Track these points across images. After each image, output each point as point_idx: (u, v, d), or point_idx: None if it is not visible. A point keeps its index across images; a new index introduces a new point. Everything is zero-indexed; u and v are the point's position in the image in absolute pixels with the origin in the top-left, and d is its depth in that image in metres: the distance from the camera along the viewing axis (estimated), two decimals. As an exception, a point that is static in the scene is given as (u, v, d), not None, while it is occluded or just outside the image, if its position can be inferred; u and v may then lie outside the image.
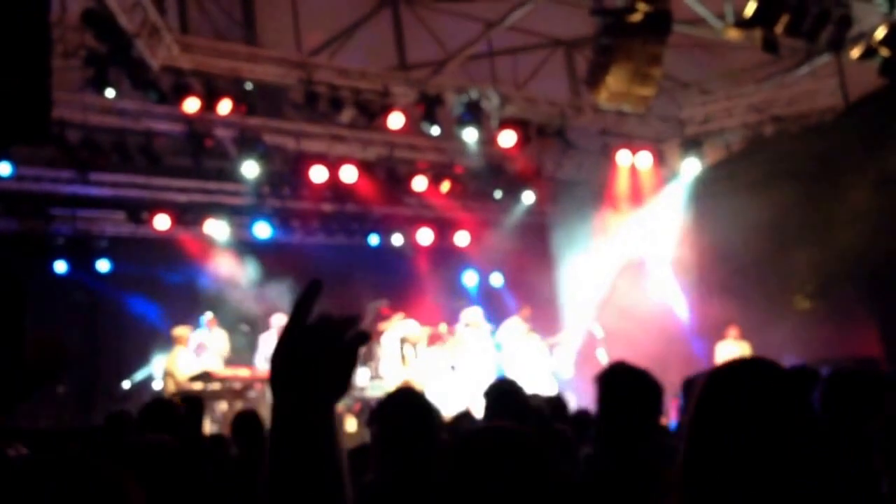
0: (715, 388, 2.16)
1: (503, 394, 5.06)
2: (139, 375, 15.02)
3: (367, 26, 15.01)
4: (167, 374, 13.59)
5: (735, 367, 2.23)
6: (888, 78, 12.51)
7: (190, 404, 6.71)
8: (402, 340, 14.36)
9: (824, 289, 14.37)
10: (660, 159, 16.26)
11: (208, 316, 14.39)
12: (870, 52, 12.09)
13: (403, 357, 14.28)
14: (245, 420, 6.98)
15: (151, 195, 15.21)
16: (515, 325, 14.78)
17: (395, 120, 13.88)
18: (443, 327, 14.75)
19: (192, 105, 12.82)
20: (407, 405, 4.23)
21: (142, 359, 14.80)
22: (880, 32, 11.83)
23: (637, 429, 3.65)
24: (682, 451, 2.14)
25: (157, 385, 14.37)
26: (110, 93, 11.99)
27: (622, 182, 16.37)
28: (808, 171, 14.22)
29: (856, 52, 12.22)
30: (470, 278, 17.43)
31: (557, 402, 6.84)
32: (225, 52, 13.22)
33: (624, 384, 3.75)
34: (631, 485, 3.48)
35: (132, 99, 13.06)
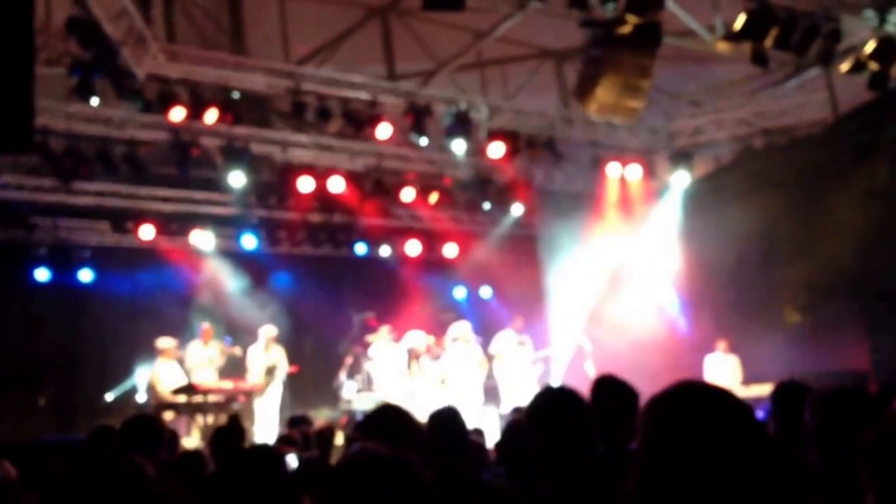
0: (657, 413, 2.22)
1: (444, 422, 4.97)
2: (122, 388, 14.85)
3: (356, 36, 14.91)
4: (150, 388, 13.46)
5: (678, 392, 2.26)
6: (877, 91, 12.49)
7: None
8: (410, 352, 14.32)
9: (814, 302, 14.34)
10: (649, 171, 16.22)
11: (204, 326, 14.24)
12: (859, 66, 12.09)
13: (410, 368, 14.23)
14: (223, 435, 6.88)
15: (136, 205, 15.08)
16: (508, 337, 14.68)
17: (384, 130, 13.76)
18: (430, 339, 14.66)
19: (177, 114, 12.67)
20: (392, 420, 4.21)
21: (125, 371, 14.62)
22: (869, 46, 11.82)
23: (571, 453, 3.53)
24: (633, 475, 2.19)
25: (140, 398, 14.21)
26: (95, 101, 11.81)
27: (612, 194, 16.31)
28: (798, 184, 14.22)
29: (845, 66, 12.21)
30: (459, 291, 17.33)
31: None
32: (212, 61, 13.08)
33: (551, 410, 3.65)
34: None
35: (117, 107, 12.91)
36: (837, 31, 11.55)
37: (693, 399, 2.23)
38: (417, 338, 14.32)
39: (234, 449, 6.50)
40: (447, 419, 4.93)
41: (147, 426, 5.81)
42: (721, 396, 2.24)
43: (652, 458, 2.18)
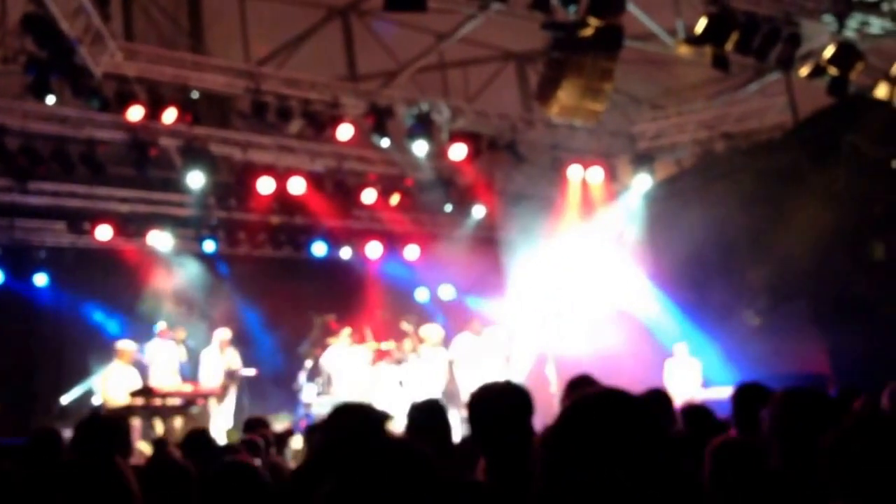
0: (567, 421, 2.26)
1: (428, 413, 5.06)
2: (78, 391, 14.62)
3: (317, 36, 14.82)
4: (102, 391, 13.27)
5: (586, 400, 2.29)
6: (836, 96, 12.61)
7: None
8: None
9: (774, 305, 14.43)
10: (611, 174, 16.27)
11: (161, 326, 14.05)
12: (818, 71, 12.19)
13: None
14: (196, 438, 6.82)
15: (93, 205, 14.86)
16: (466, 340, 14.62)
17: (345, 131, 13.69)
18: (390, 343, 14.60)
19: (135, 113, 12.51)
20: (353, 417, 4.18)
21: (81, 373, 14.40)
22: (829, 51, 11.93)
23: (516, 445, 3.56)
24: (536, 477, 2.31)
25: (96, 401, 14.00)
26: (51, 99, 11.60)
27: (573, 196, 16.33)
28: (758, 188, 14.32)
29: (804, 71, 12.31)
30: (421, 292, 17.23)
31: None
32: (170, 60, 12.94)
33: (498, 402, 3.70)
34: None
35: (74, 106, 12.74)
36: (797, 35, 11.64)
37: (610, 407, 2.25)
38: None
39: (208, 453, 6.41)
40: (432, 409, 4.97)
41: (105, 427, 5.71)
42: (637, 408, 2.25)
43: (556, 463, 2.21)
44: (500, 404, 3.66)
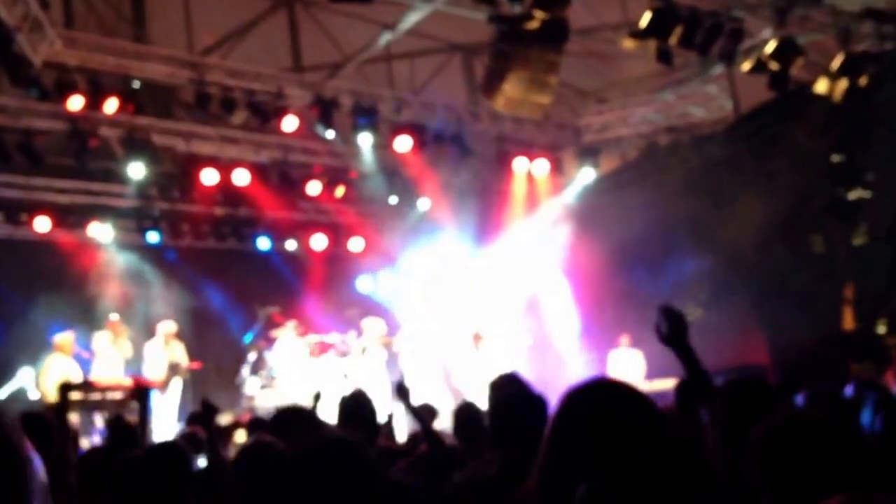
0: (567, 409, 2.26)
1: (355, 405, 5.15)
2: (11, 386, 14.32)
3: (262, 26, 14.67)
4: (40, 385, 13.01)
5: (588, 387, 2.31)
6: (777, 91, 12.78)
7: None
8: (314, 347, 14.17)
9: (715, 297, 14.59)
10: (556, 167, 16.31)
11: (112, 317, 13.81)
12: (760, 66, 12.34)
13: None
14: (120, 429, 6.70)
15: (31, 196, 14.53)
16: (411, 333, 14.60)
17: (289, 123, 13.60)
18: (334, 336, 14.52)
19: (76, 103, 12.32)
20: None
21: (17, 368, 14.11)
22: (770, 47, 12.08)
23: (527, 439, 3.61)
24: (537, 468, 2.25)
25: (32, 396, 13.72)
26: (-12, 88, 11.41)
27: (519, 189, 16.37)
28: (700, 181, 14.49)
29: (746, 66, 12.46)
30: (364, 284, 17.13)
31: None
32: (112, 49, 12.74)
33: (512, 395, 3.88)
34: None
35: (12, 95, 12.48)
36: (740, 30, 11.79)
37: (600, 395, 2.27)
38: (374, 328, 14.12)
39: (132, 445, 6.33)
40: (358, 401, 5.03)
41: (37, 424, 5.59)
42: (627, 392, 2.29)
43: (557, 452, 2.22)
44: (523, 395, 3.84)
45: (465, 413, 5.92)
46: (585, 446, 2.16)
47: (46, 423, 5.66)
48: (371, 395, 5.45)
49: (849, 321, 13.68)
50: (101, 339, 13.62)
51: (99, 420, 12.17)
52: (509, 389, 3.98)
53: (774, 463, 2.52)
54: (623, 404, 2.23)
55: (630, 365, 14.34)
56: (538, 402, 3.89)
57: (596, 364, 13.82)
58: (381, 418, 7.42)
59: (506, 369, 12.73)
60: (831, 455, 2.46)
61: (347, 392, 5.48)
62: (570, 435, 2.21)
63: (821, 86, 12.92)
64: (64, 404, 12.08)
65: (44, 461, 4.03)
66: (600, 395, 2.28)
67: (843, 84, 12.73)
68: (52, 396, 12.54)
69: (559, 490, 2.17)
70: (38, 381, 13.15)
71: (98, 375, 12.97)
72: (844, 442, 2.52)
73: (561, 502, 2.15)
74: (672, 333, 3.90)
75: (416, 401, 6.39)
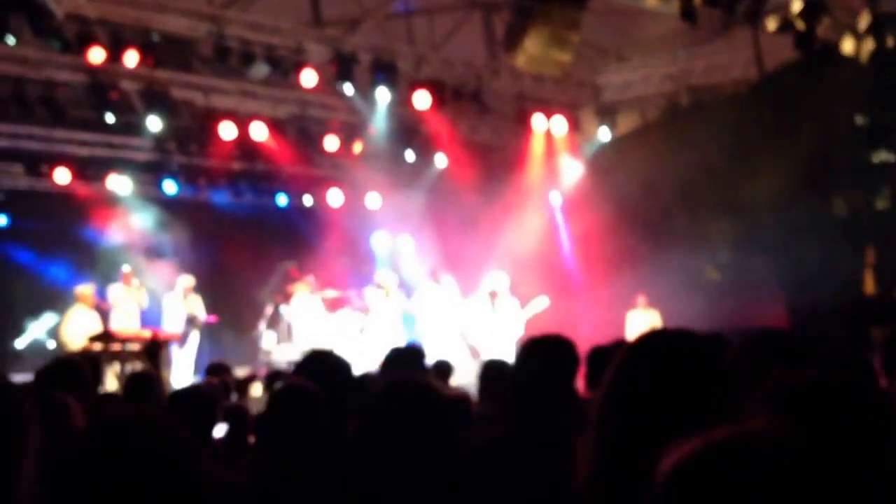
0: (634, 359, 2.17)
1: (404, 360, 5.08)
2: (31, 335, 14.50)
3: (281, -20, 14.56)
4: (61, 335, 13.16)
5: (654, 338, 2.24)
6: (803, 51, 12.60)
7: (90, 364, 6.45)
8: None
9: (734, 259, 14.54)
10: (575, 125, 16.19)
11: (125, 269, 13.91)
12: (786, 25, 12.15)
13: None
14: (138, 381, 6.74)
15: (51, 148, 14.66)
16: (426, 289, 14.60)
17: (308, 78, 13.52)
18: (350, 292, 14.59)
19: (96, 55, 12.31)
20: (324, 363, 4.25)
21: (34, 319, 14.29)
22: (796, 5, 11.88)
23: (555, 396, 3.64)
24: (596, 423, 2.14)
25: (50, 345, 13.89)
26: (10, 40, 11.42)
27: (537, 147, 16.29)
28: (722, 142, 14.32)
29: (772, 25, 12.26)
30: (379, 241, 17.14)
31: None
32: (132, 2, 12.69)
33: (542, 351, 3.77)
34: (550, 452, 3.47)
35: (33, 47, 12.50)
36: (766, -11, 11.61)
37: (679, 345, 2.20)
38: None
39: (148, 396, 6.39)
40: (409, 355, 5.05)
41: (69, 370, 5.65)
42: (705, 344, 2.22)
43: (625, 405, 2.14)
44: (556, 356, 3.75)
45: (492, 371, 5.86)
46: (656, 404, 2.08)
47: (81, 370, 5.71)
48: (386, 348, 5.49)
49: (869, 286, 13.61)
50: (115, 290, 13.76)
51: (118, 369, 12.29)
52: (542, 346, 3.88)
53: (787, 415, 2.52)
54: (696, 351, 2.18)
55: (647, 325, 14.32)
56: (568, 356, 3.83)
57: (613, 324, 13.79)
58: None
59: (521, 326, 12.78)
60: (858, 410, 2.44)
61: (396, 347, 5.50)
62: (637, 392, 2.12)
63: (847, 46, 12.72)
64: (95, 353, 12.25)
65: (81, 406, 4.09)
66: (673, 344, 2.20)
67: (869, 44, 12.53)
68: (74, 346, 12.70)
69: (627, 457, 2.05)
70: (59, 332, 13.33)
71: (115, 327, 13.12)
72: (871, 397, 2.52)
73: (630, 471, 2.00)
74: None
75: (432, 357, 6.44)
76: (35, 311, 14.54)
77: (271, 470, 3.63)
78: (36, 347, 14.12)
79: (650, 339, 2.23)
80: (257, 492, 3.54)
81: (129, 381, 6.84)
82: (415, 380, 3.29)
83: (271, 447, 3.82)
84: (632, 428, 2.08)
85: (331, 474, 3.37)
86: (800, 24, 12.01)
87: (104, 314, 13.50)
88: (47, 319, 14.31)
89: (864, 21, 12.33)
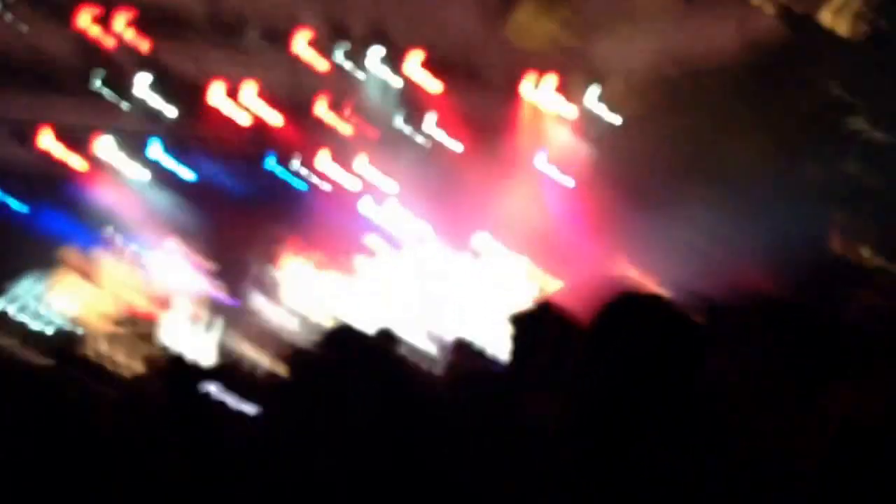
0: (613, 315, 2.32)
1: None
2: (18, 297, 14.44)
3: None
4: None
5: (633, 297, 2.39)
6: (787, 24, 12.79)
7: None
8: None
9: (720, 227, 14.78)
10: (564, 92, 16.31)
11: (109, 233, 13.92)
12: (770, -4, 12.33)
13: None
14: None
15: (36, 113, 14.48)
16: (416, 252, 14.74)
17: (300, 43, 13.52)
18: (340, 256, 14.70)
19: (86, 20, 12.22)
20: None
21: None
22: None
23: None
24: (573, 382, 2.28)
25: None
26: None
27: (527, 116, 16.41)
28: (710, 112, 14.53)
29: (757, -4, 12.43)
30: (369, 205, 17.20)
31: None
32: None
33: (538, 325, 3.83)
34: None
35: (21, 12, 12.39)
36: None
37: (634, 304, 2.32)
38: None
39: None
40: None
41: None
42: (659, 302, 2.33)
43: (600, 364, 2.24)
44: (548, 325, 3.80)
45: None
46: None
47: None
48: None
49: (838, 246, 13.96)
50: (106, 257, 13.77)
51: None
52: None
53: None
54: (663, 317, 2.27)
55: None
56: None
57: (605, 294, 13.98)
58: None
59: (518, 295, 12.97)
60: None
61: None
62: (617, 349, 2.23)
63: (827, 17, 12.93)
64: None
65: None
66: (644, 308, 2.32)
67: (848, 16, 12.77)
68: (67, 312, 12.74)
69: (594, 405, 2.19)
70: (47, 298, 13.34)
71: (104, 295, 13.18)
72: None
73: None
74: None
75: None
76: (21, 274, 14.46)
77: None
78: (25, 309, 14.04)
79: (620, 304, 2.34)
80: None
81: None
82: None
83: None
84: (605, 387, 2.21)
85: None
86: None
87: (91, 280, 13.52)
88: (33, 282, 14.25)
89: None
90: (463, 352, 7.96)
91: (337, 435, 3.50)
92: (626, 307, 2.31)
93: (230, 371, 7.51)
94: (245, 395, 5.71)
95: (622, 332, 2.23)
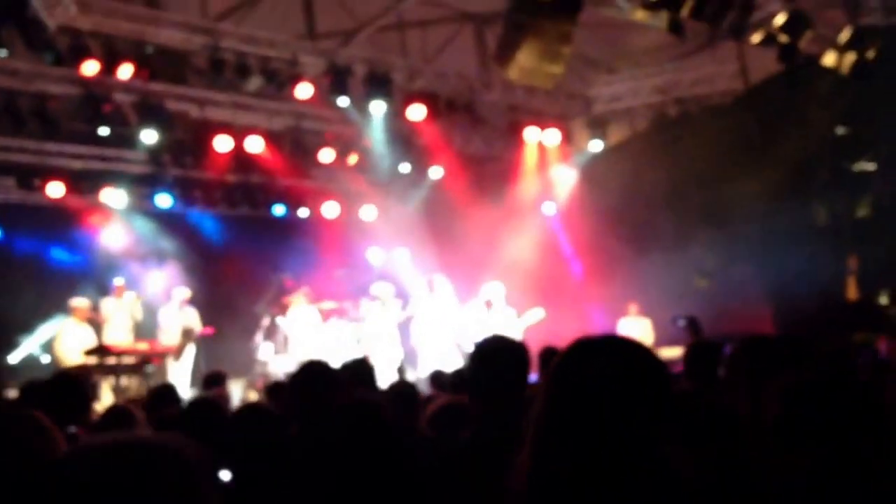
0: (567, 363, 2.21)
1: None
2: (25, 349, 14.45)
3: (276, -8, 14.68)
4: (55, 349, 13.17)
5: (587, 343, 2.25)
6: (786, 63, 12.86)
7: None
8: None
9: (722, 268, 14.76)
10: (567, 137, 16.42)
11: (118, 282, 13.95)
12: (770, 39, 12.41)
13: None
14: (159, 394, 6.85)
15: (44, 161, 14.59)
16: (423, 300, 14.69)
17: (304, 90, 13.63)
18: (347, 304, 14.70)
19: (90, 68, 12.31)
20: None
21: (28, 333, 14.24)
22: (780, 19, 12.14)
23: (511, 396, 3.68)
24: (532, 421, 2.19)
25: (44, 359, 13.86)
26: (2, 52, 11.36)
27: (530, 159, 16.50)
28: (708, 153, 14.58)
29: (756, 38, 12.52)
30: (375, 253, 17.25)
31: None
32: (126, 14, 12.71)
33: (496, 354, 3.82)
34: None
35: (26, 59, 12.51)
36: (750, 2, 11.82)
37: (597, 349, 2.23)
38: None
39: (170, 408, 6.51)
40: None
41: (72, 387, 5.72)
42: (627, 346, 2.24)
43: (556, 407, 2.17)
44: (510, 357, 3.79)
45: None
46: (588, 410, 2.11)
47: (80, 386, 5.79)
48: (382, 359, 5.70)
49: (852, 292, 13.84)
50: (108, 304, 13.78)
51: (112, 383, 12.30)
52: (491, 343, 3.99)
53: (795, 408, 2.72)
54: (630, 364, 2.17)
55: (639, 333, 14.48)
56: (518, 350, 3.87)
57: (606, 332, 13.95)
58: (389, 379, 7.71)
59: (518, 336, 12.90)
60: (839, 404, 2.70)
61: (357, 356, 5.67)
62: (573, 396, 2.15)
63: (829, 59, 12.99)
64: (84, 368, 12.24)
65: (76, 421, 4.12)
66: (606, 355, 2.21)
67: (850, 57, 12.82)
68: (69, 361, 12.71)
69: (554, 455, 2.12)
70: (53, 346, 13.32)
71: (109, 340, 13.16)
72: (850, 394, 2.77)
73: (555, 468, 2.11)
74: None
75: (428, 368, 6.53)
76: (30, 326, 14.47)
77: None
78: (30, 362, 14.04)
79: (576, 348, 2.24)
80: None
81: (152, 393, 6.94)
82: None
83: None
84: (564, 434, 2.12)
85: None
86: (783, 38, 12.28)
87: (98, 328, 13.53)
88: (41, 334, 14.24)
89: (845, 34, 12.62)
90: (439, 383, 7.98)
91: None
92: (580, 353, 2.24)
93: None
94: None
95: (575, 378, 2.16)
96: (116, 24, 12.54)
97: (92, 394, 6.99)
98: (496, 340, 3.92)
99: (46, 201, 14.83)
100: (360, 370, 5.94)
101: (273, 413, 4.20)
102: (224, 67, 13.10)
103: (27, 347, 14.33)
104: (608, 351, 2.21)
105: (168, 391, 6.85)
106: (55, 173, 14.61)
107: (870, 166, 14.17)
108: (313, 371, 4.83)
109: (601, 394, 2.10)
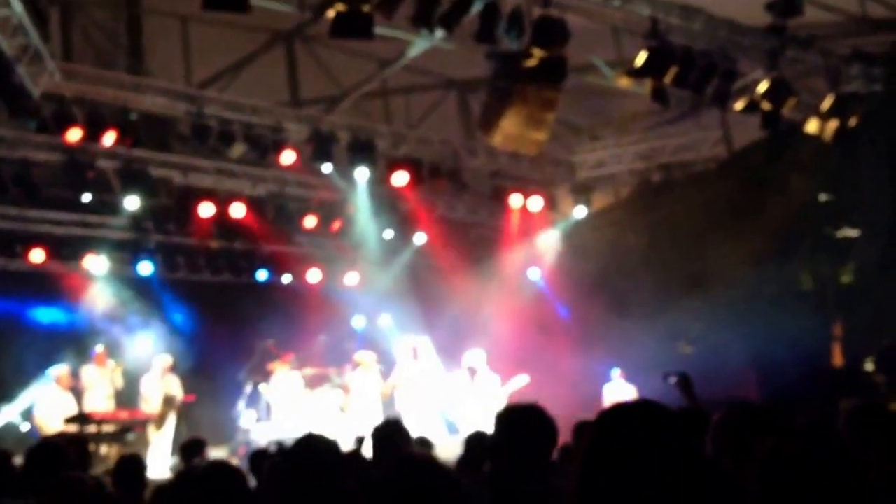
0: (605, 429, 2.25)
1: (388, 436, 5.20)
2: (6, 417, 14.21)
3: (260, 61, 14.79)
4: (35, 417, 12.95)
5: (624, 409, 2.31)
6: (769, 130, 12.96)
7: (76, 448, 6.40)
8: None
9: (705, 334, 14.69)
10: (550, 203, 16.44)
11: (99, 349, 13.78)
12: (752, 106, 12.50)
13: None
14: (127, 464, 6.68)
15: (26, 227, 14.53)
16: (408, 366, 14.55)
17: (287, 156, 13.64)
18: (330, 370, 14.55)
19: (74, 135, 12.31)
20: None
21: (11, 400, 14.01)
22: (763, 87, 12.25)
23: (531, 464, 3.70)
24: (572, 492, 2.21)
25: (24, 427, 13.62)
26: (-14, 120, 11.41)
27: (513, 225, 16.50)
28: (692, 219, 14.61)
29: (739, 105, 12.62)
30: (358, 320, 17.13)
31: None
32: (110, 81, 12.78)
33: (522, 422, 3.84)
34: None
35: (8, 127, 12.51)
36: (733, 71, 11.94)
37: (649, 416, 2.27)
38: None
39: (137, 479, 6.36)
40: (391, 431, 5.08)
41: (51, 454, 5.60)
42: (674, 417, 2.29)
43: (596, 475, 2.20)
44: (537, 426, 3.80)
45: (475, 443, 5.99)
46: (625, 473, 2.15)
47: (63, 453, 5.66)
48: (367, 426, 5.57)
49: (837, 358, 13.80)
50: (88, 372, 13.60)
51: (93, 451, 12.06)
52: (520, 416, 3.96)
53: (778, 478, 2.65)
54: (663, 429, 2.23)
55: (624, 398, 14.32)
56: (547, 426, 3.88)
57: (592, 399, 13.82)
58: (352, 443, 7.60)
59: (502, 403, 12.79)
60: (828, 473, 2.62)
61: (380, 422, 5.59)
62: (608, 461, 2.19)
63: (811, 126, 13.10)
64: (83, 436, 12.01)
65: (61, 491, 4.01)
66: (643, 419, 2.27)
67: (832, 124, 12.94)
68: (49, 428, 12.50)
69: None
70: (33, 414, 13.11)
71: (89, 408, 12.97)
72: (838, 462, 2.69)
73: None
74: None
75: (412, 433, 6.46)
76: (10, 392, 14.24)
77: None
78: (10, 430, 13.79)
79: (615, 413, 2.29)
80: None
81: (119, 465, 6.77)
82: (424, 458, 3.39)
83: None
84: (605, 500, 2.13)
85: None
86: (766, 105, 12.38)
87: (79, 395, 13.34)
88: (21, 401, 14.02)
89: (827, 102, 12.75)
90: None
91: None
92: (621, 418, 2.29)
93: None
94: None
95: (620, 441, 2.21)
96: (101, 91, 12.57)
97: (84, 458, 6.78)
98: (526, 410, 3.92)
99: (28, 268, 14.71)
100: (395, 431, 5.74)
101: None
102: (208, 134, 13.10)
103: (6, 415, 14.09)
104: (645, 416, 2.27)
105: (135, 463, 6.66)
106: (37, 240, 14.54)
107: (853, 232, 14.21)
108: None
109: (641, 461, 2.14)
